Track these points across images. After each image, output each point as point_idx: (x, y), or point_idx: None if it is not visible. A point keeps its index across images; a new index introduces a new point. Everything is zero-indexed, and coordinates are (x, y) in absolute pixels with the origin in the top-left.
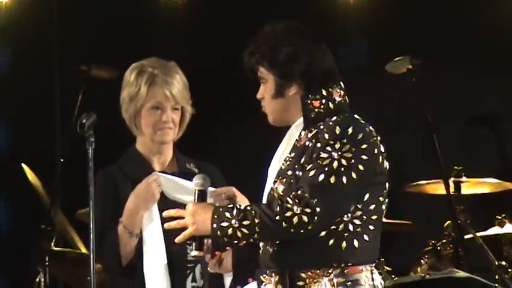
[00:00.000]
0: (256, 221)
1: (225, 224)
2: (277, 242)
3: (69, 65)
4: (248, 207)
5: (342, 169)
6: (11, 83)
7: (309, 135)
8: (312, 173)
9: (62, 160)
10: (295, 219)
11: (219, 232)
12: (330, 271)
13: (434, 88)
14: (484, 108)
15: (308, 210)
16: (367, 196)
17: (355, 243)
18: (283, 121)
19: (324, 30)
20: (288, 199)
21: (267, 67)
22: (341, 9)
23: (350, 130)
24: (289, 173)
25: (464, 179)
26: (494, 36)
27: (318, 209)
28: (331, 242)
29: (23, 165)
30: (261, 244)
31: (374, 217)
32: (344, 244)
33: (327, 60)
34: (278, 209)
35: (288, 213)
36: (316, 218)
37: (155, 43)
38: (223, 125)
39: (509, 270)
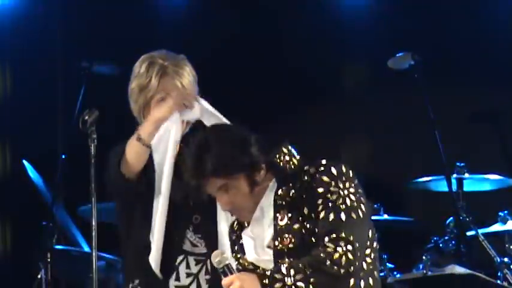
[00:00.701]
0: (308, 272)
1: (278, 285)
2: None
3: (71, 61)
4: (292, 264)
5: (355, 204)
6: (15, 79)
7: (291, 190)
8: (331, 216)
9: (63, 156)
10: (344, 259)
11: None
12: None
13: (437, 84)
14: (487, 104)
15: (350, 247)
16: (370, 232)
17: (370, 281)
18: (256, 205)
19: (327, 28)
20: (327, 244)
21: (230, 176)
22: (344, 7)
23: (342, 168)
24: (296, 226)
25: (466, 175)
26: (495, 31)
27: (356, 245)
28: (351, 282)
29: (24, 161)
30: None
31: (376, 255)
32: (362, 283)
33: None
34: (323, 255)
35: (336, 255)
36: (357, 253)
37: (158, 40)
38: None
39: None
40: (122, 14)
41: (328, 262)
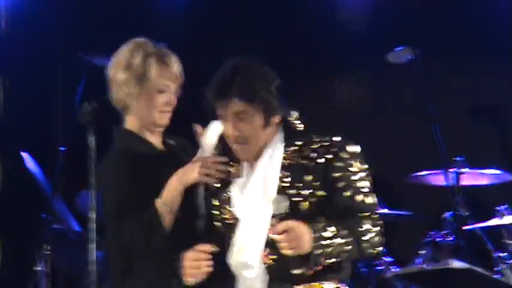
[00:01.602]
0: (351, 239)
1: (324, 243)
2: (278, 256)
3: (71, 54)
4: (338, 227)
5: (370, 186)
6: (14, 71)
7: (297, 151)
8: (360, 197)
9: (62, 148)
10: (377, 240)
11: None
12: (327, 285)
13: (436, 78)
14: (485, 99)
15: (382, 229)
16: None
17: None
18: (261, 149)
19: (325, 21)
20: (366, 221)
21: (252, 103)
22: (345, 3)
23: (359, 149)
24: (306, 192)
25: (465, 170)
26: (494, 26)
27: (381, 228)
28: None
29: (23, 153)
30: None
31: None
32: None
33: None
34: (361, 229)
35: (372, 234)
36: (382, 237)
37: (155, 33)
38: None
39: (509, 261)
40: (122, 7)
41: (366, 237)
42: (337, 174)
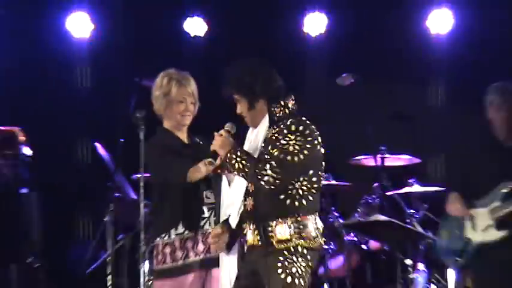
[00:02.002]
0: (248, 165)
1: (233, 161)
2: (254, 204)
3: (129, 78)
4: (247, 157)
5: (295, 151)
6: (93, 91)
7: (273, 131)
8: (276, 152)
9: (121, 140)
10: (266, 177)
11: (228, 160)
12: (287, 219)
13: (369, 93)
14: (401, 108)
15: (273, 173)
16: (311, 172)
17: (304, 201)
18: (257, 123)
19: (293, 52)
20: (265, 165)
21: (238, 93)
22: (305, 42)
23: (300, 128)
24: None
25: (387, 155)
26: (412, 57)
27: (276, 175)
28: (288, 202)
29: (96, 143)
30: (243, 205)
31: (315, 185)
32: (296, 203)
33: (277, 81)
34: (260, 166)
35: (263, 172)
36: (275, 180)
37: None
38: None
39: (417, 216)
40: (162, 42)
41: (257, 171)
42: (277, 142)
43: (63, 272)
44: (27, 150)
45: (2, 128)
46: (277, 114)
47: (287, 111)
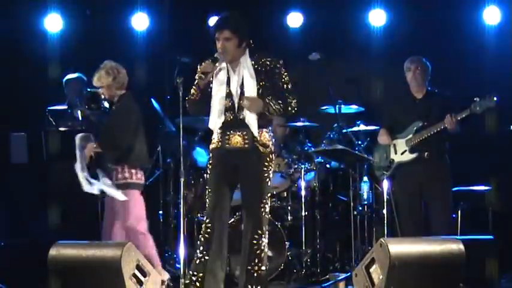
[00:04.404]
0: (282, 106)
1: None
2: (255, 116)
3: (172, 56)
4: (272, 100)
5: (289, 79)
6: (150, 63)
7: (254, 63)
8: (285, 86)
9: (168, 97)
10: (294, 105)
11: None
12: (269, 128)
13: (332, 65)
14: (354, 72)
15: (295, 101)
16: None
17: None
18: (237, 59)
19: (280, 38)
20: (288, 95)
21: (234, 32)
22: (287, 32)
23: (282, 61)
24: (262, 82)
25: (342, 105)
26: (371, 33)
27: (296, 100)
28: (268, 115)
29: (152, 99)
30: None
31: None
32: (270, 116)
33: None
34: (288, 101)
35: (292, 104)
36: (296, 103)
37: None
38: None
39: (362, 145)
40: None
41: (292, 105)
42: (276, 76)
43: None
44: (106, 104)
45: (89, 89)
46: (252, 51)
47: (253, 47)
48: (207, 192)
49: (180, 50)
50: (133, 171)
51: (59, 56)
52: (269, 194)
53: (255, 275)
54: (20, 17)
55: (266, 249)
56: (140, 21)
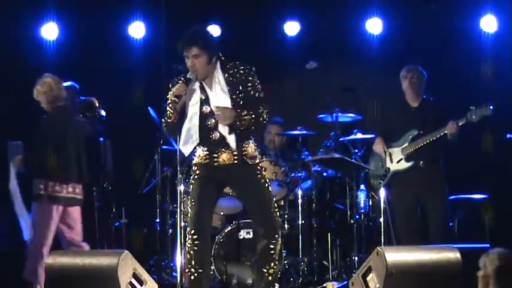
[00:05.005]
0: (254, 116)
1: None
2: (234, 131)
3: (169, 64)
4: (245, 110)
5: (260, 87)
6: (148, 69)
7: (227, 75)
8: (257, 94)
9: (165, 104)
10: (265, 116)
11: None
12: (251, 138)
13: (329, 74)
14: (350, 81)
15: (266, 111)
16: None
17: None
18: (207, 75)
19: (277, 47)
20: (260, 107)
21: (203, 49)
22: (284, 41)
23: (254, 69)
24: (236, 94)
25: (339, 114)
26: (364, 45)
27: (266, 110)
28: (253, 128)
29: (149, 107)
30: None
31: None
32: (253, 127)
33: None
34: (260, 111)
35: (264, 114)
36: (267, 114)
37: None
38: None
39: (359, 154)
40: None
41: (263, 115)
42: (249, 84)
43: (128, 192)
44: (103, 112)
45: (83, 98)
46: (224, 63)
47: (223, 59)
48: (189, 203)
49: (177, 58)
50: (51, 184)
51: (56, 64)
52: (274, 199)
53: (270, 278)
54: (16, 26)
55: (278, 249)
56: (137, 30)
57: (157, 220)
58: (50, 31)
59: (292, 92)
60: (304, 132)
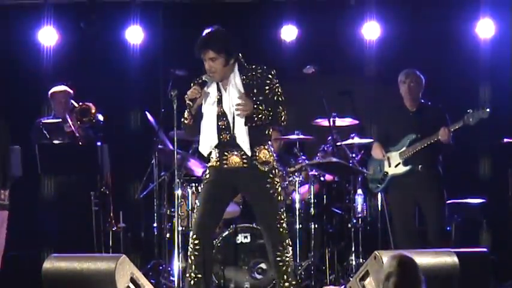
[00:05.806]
0: (272, 112)
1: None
2: (246, 133)
3: (166, 69)
4: (264, 105)
5: (281, 91)
6: (145, 75)
7: (245, 77)
8: (275, 97)
9: (162, 110)
10: (284, 117)
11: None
12: (268, 144)
13: (325, 78)
14: (346, 86)
15: (285, 112)
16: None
17: (271, 130)
18: (225, 77)
19: (276, 53)
20: (279, 107)
21: (219, 52)
22: (281, 46)
23: (273, 71)
24: (250, 96)
25: (337, 118)
26: (357, 52)
27: (286, 112)
28: (266, 131)
29: (146, 112)
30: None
31: None
32: (268, 132)
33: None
34: (279, 110)
35: (283, 113)
36: (286, 116)
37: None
38: None
39: (356, 158)
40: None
41: (282, 116)
42: (267, 87)
43: (125, 196)
44: (100, 117)
45: (80, 103)
46: (243, 65)
47: (244, 63)
48: (196, 206)
49: (174, 63)
50: None
51: (53, 69)
52: (283, 209)
53: None
54: (14, 30)
55: (291, 262)
56: (134, 35)
57: (155, 224)
58: (47, 35)
59: (290, 96)
60: (302, 136)
